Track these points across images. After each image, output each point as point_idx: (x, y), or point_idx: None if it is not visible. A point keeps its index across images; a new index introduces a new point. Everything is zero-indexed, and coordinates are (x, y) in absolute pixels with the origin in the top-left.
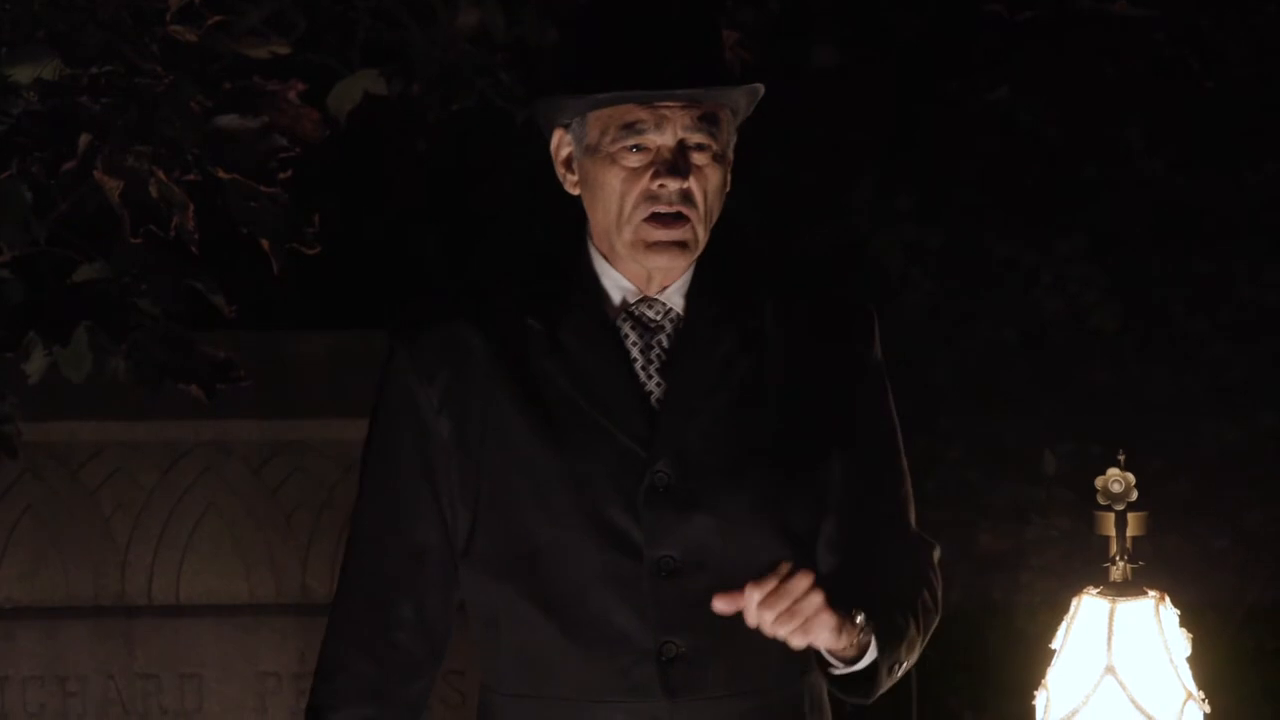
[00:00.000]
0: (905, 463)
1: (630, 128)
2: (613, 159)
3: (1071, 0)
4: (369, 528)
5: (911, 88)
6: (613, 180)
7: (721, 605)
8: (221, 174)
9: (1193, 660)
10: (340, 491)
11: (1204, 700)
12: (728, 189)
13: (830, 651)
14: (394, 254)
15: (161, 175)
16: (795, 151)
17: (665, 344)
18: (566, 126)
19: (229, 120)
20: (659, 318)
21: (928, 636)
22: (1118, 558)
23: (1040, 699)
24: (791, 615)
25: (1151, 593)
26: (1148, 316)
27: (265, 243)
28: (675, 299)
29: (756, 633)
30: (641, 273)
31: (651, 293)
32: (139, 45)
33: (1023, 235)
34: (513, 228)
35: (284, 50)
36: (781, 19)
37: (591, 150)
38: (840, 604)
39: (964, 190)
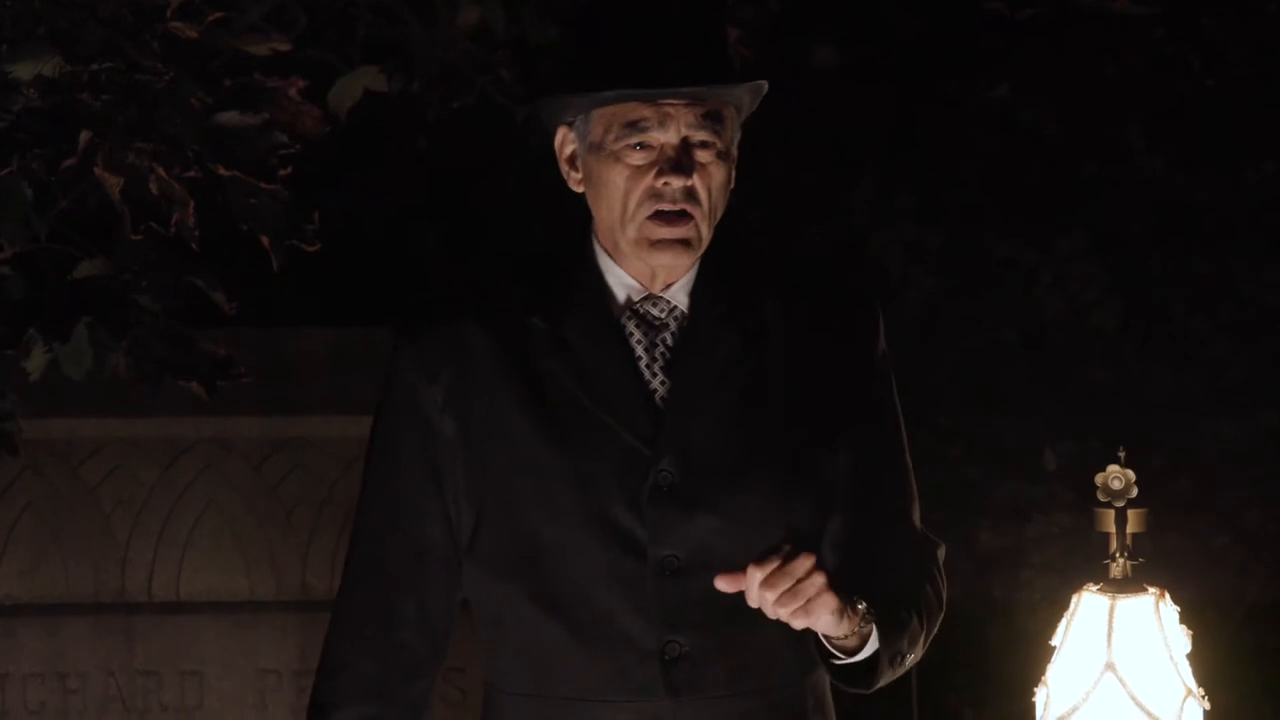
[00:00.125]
0: (909, 460)
1: (634, 125)
2: (616, 157)
3: None
4: (372, 526)
5: (911, 86)
6: (616, 178)
7: (723, 585)
8: (222, 171)
9: (1192, 657)
10: (341, 488)
11: (1204, 697)
12: (732, 185)
13: (831, 640)
14: (394, 251)
15: (162, 172)
16: (795, 150)
17: (670, 342)
18: (570, 124)
19: (229, 117)
20: (663, 316)
21: (931, 633)
22: (1118, 555)
23: (1040, 696)
24: (793, 595)
25: (1151, 590)
26: (1148, 315)
27: (265, 239)
28: (680, 297)
29: (760, 632)
30: (646, 270)
31: (656, 290)
32: (139, 42)
33: (1023, 234)
34: (513, 226)
35: (284, 47)
36: (781, 17)
37: (595, 148)
38: (844, 593)
39: (964, 189)
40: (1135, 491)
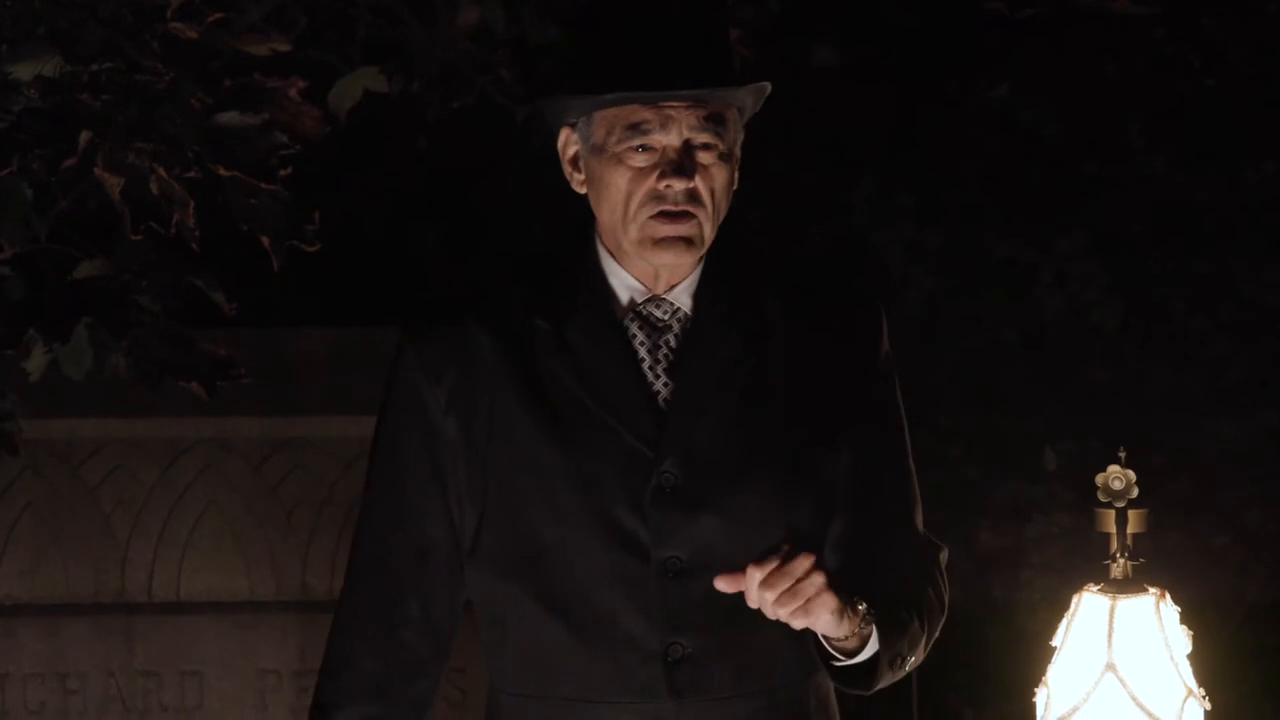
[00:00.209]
0: (912, 463)
1: (636, 128)
2: (619, 159)
3: None
4: (375, 525)
5: (912, 86)
6: (619, 180)
7: (723, 585)
8: (222, 171)
9: (1193, 657)
10: (341, 488)
11: (1204, 697)
12: (736, 186)
13: (831, 642)
14: (394, 251)
15: (162, 172)
16: (795, 150)
17: (673, 344)
18: (573, 125)
19: (229, 117)
20: (666, 317)
21: (933, 636)
22: (1118, 555)
23: (1041, 696)
24: (793, 595)
25: (1152, 590)
26: (1148, 315)
27: (265, 240)
28: (683, 298)
29: (763, 633)
30: (649, 271)
31: (659, 291)
32: (140, 42)
33: (1023, 234)
34: (513, 226)
35: (284, 47)
36: (781, 17)
37: (598, 150)
38: (844, 593)
39: (964, 189)
40: (1136, 492)
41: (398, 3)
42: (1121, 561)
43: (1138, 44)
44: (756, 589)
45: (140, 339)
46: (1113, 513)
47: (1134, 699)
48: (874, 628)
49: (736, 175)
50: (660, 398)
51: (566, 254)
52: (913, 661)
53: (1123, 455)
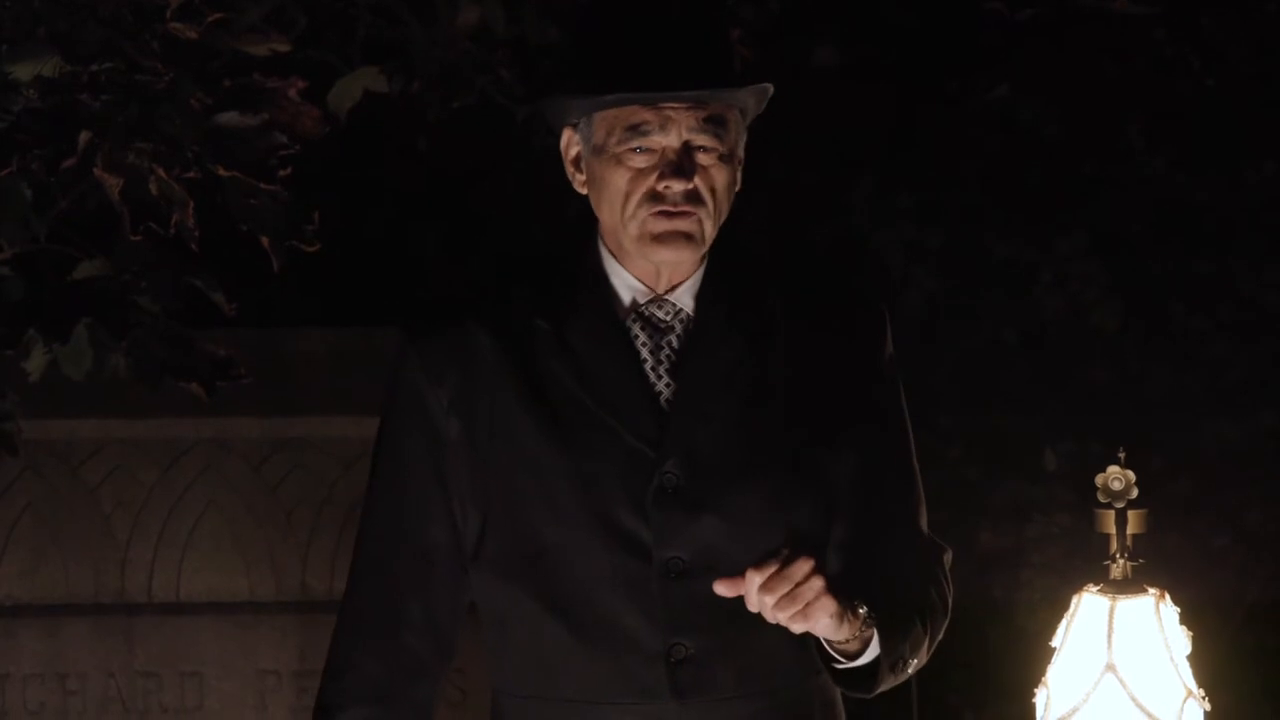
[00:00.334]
0: (916, 465)
1: (635, 129)
2: (618, 160)
3: None
4: (377, 527)
5: (912, 86)
6: (618, 180)
7: (722, 589)
8: (221, 171)
9: (1193, 658)
10: (340, 489)
11: (1204, 698)
12: (738, 188)
13: (832, 644)
14: (394, 252)
15: (161, 173)
16: (795, 150)
17: (675, 345)
18: (575, 126)
19: (229, 117)
20: (669, 318)
21: (936, 638)
22: (1118, 555)
23: (1040, 697)
24: (792, 599)
25: (1152, 590)
26: (1148, 315)
27: (265, 240)
28: (685, 299)
29: (765, 634)
30: (650, 270)
31: (661, 291)
32: (139, 42)
33: (1023, 234)
34: (513, 226)
35: (284, 47)
36: (781, 17)
37: (598, 150)
38: (844, 597)
39: (964, 189)
40: (1135, 492)
41: (397, 3)
42: (1121, 562)
43: (1138, 44)
44: (756, 593)
45: (140, 339)
46: (1112, 513)
47: (1134, 700)
48: (875, 631)
49: (739, 176)
50: (662, 398)
51: (568, 255)
52: (915, 664)
53: (1122, 456)
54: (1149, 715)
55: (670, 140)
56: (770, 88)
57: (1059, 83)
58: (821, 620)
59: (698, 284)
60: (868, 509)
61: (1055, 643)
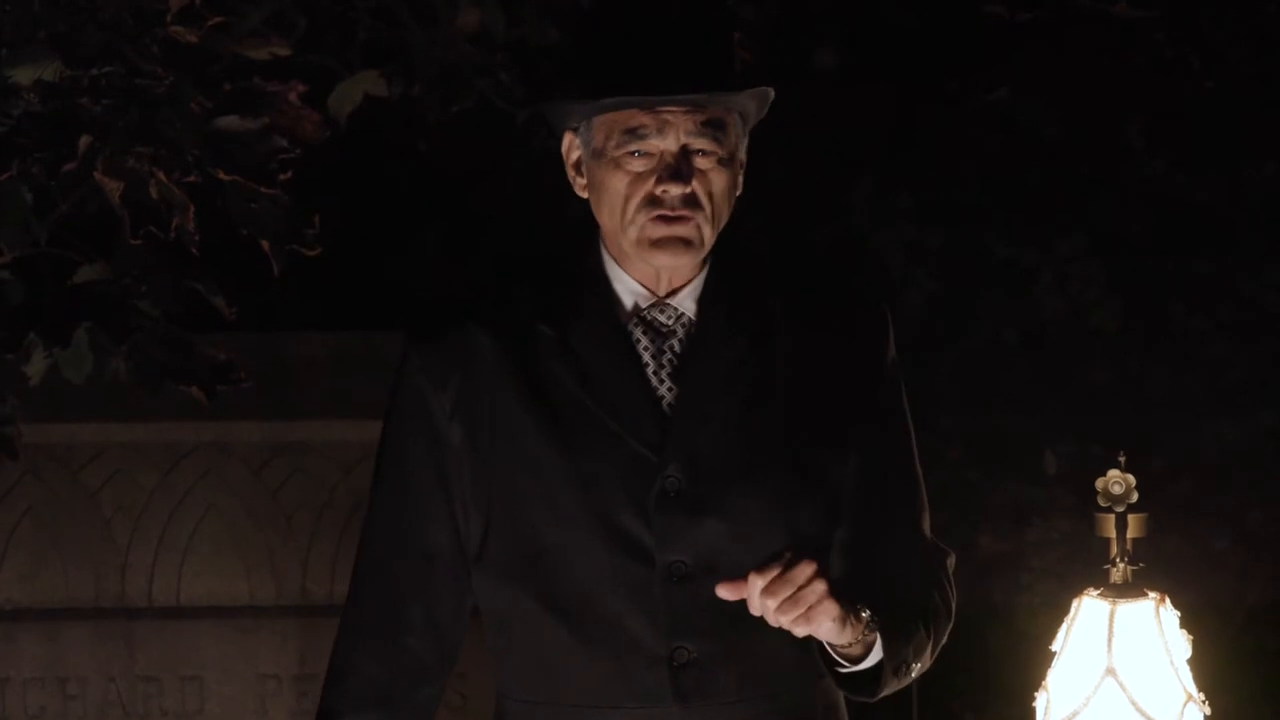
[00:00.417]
0: (919, 467)
1: (633, 132)
2: (617, 163)
3: (1071, 1)
4: (380, 531)
5: (912, 88)
6: (617, 184)
7: (725, 592)
8: (222, 175)
9: (1193, 662)
10: (341, 493)
11: (1204, 702)
12: (739, 191)
13: (835, 648)
14: (394, 255)
15: (162, 176)
16: (795, 152)
17: (677, 349)
18: (575, 130)
19: (229, 121)
20: (671, 322)
21: (940, 643)
22: (1118, 559)
23: (1041, 701)
24: (794, 603)
25: (1152, 594)
26: (1148, 316)
27: (265, 244)
28: (687, 303)
29: (769, 638)
30: (651, 273)
31: (662, 294)
32: (139, 46)
33: (1023, 235)
34: (513, 228)
35: (284, 51)
36: (781, 19)
37: (597, 154)
38: (847, 600)
39: (964, 190)
40: (1136, 496)
41: (397, 6)
42: (1121, 566)
43: (1137, 46)
44: (758, 596)
45: (140, 343)
46: (1113, 517)
47: (1134, 703)
48: (878, 635)
49: (741, 180)
50: (664, 402)
51: (569, 258)
52: (918, 668)
53: (1122, 459)
54: (1149, 719)
55: (668, 144)
56: (771, 91)
57: (1059, 84)
58: (824, 624)
59: (699, 288)
60: (870, 511)
61: (1055, 646)
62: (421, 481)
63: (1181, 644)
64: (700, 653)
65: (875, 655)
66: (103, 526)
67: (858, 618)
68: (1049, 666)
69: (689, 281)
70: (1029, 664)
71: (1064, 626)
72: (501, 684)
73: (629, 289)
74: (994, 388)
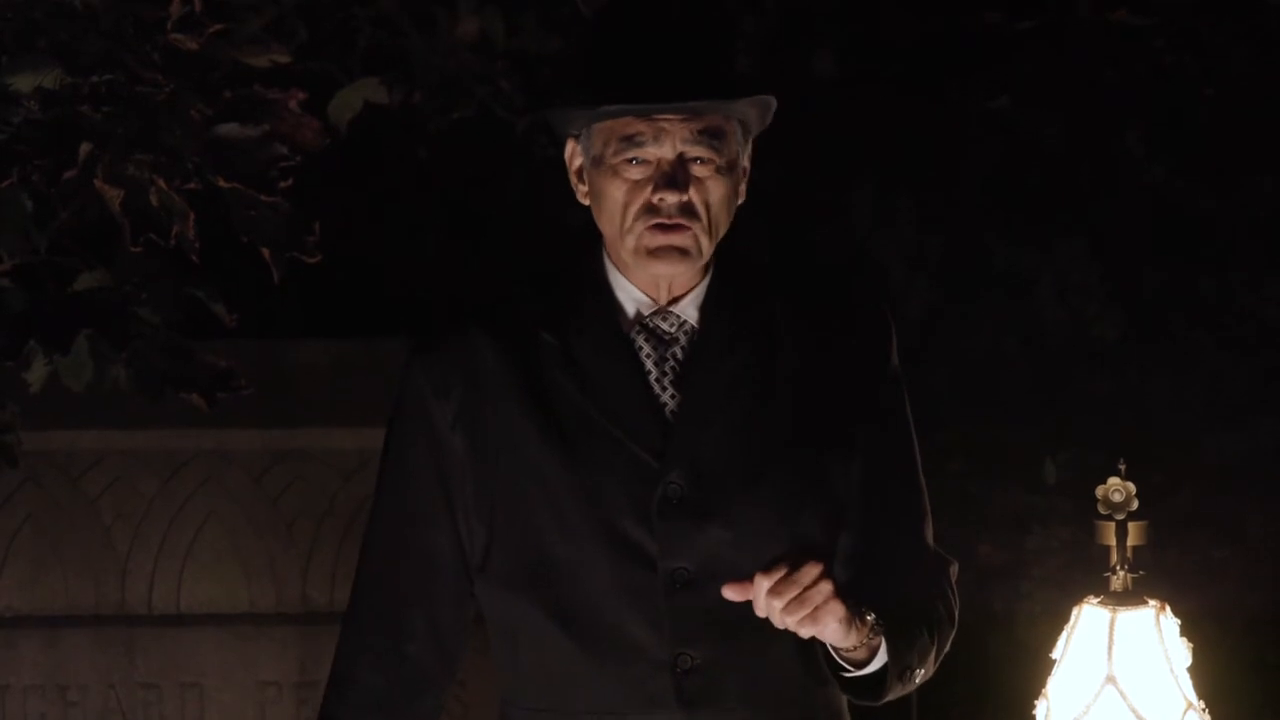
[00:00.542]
0: (921, 474)
1: (630, 140)
2: (615, 171)
3: (1071, 10)
4: (382, 539)
5: (912, 95)
6: (615, 192)
7: (730, 593)
8: (222, 183)
9: (1193, 670)
10: (341, 500)
11: (1204, 710)
12: (740, 200)
13: (840, 652)
14: (394, 262)
15: (162, 184)
16: (795, 159)
17: (679, 356)
18: (577, 137)
19: (230, 129)
20: (673, 330)
21: (943, 650)
22: (1118, 567)
23: (1041, 708)
24: (800, 603)
25: (1152, 602)
26: (1148, 326)
27: (266, 251)
28: (689, 311)
29: (773, 645)
30: (653, 281)
31: (664, 303)
32: (140, 54)
33: (1023, 243)
34: (513, 236)
35: (284, 59)
36: (781, 27)
37: (597, 162)
38: (852, 602)
39: (964, 197)
40: (1136, 504)
41: (398, 14)
42: (1121, 574)
43: (1137, 54)
44: (764, 597)
45: (140, 350)
46: (1113, 525)
47: (1134, 711)
48: (882, 639)
49: (743, 188)
50: (667, 410)
51: (572, 266)
52: (922, 674)
53: (1123, 467)
54: None
55: (664, 152)
56: (772, 100)
57: (1059, 91)
58: (830, 624)
59: (702, 295)
60: (873, 517)
61: (1056, 654)
62: (424, 490)
63: (1182, 652)
64: (703, 659)
65: (879, 660)
66: (103, 534)
67: (863, 620)
68: (1049, 674)
69: (691, 289)
70: (1029, 672)
71: (1064, 634)
72: (506, 692)
73: (631, 297)
74: (994, 396)
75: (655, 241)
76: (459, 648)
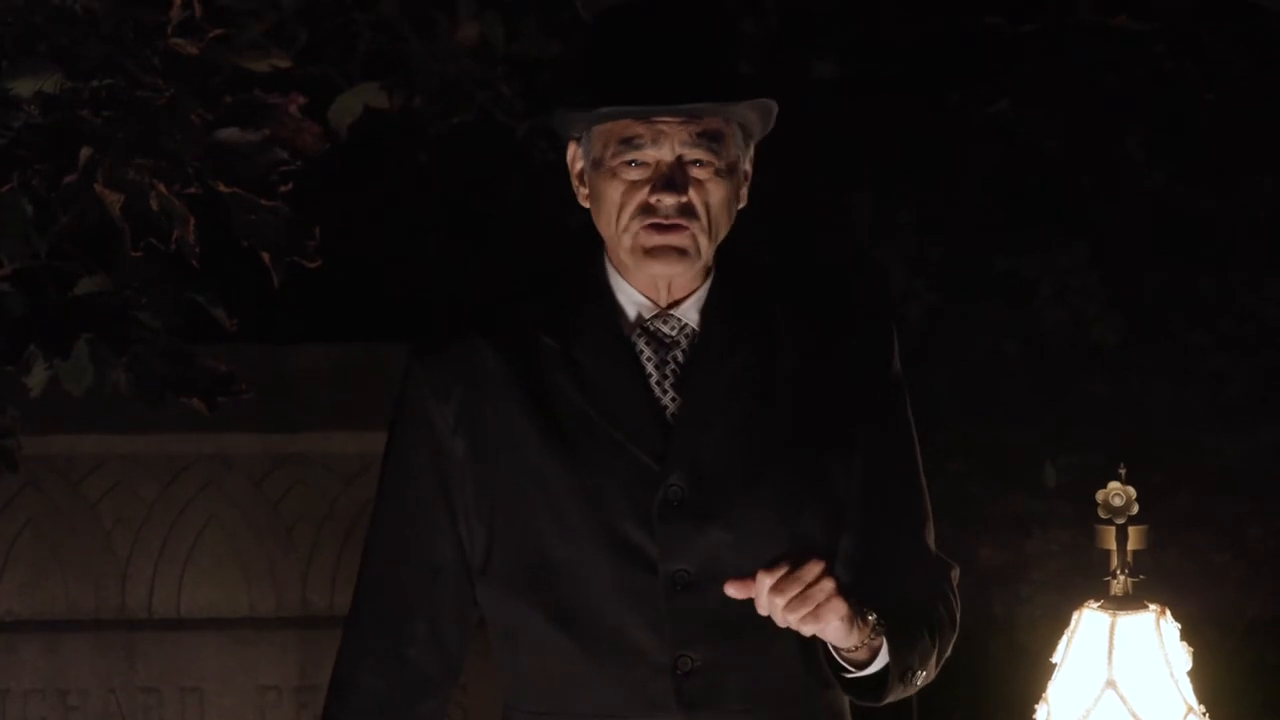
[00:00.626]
0: (923, 478)
1: (628, 142)
2: (613, 173)
3: (1072, 14)
4: (383, 543)
5: (912, 99)
6: (613, 193)
7: (733, 590)
8: (222, 187)
9: (1193, 674)
10: (341, 504)
11: (1204, 714)
12: (742, 204)
13: (841, 652)
14: (395, 267)
15: (162, 188)
16: (795, 164)
17: (680, 359)
18: (578, 140)
19: (230, 133)
20: (674, 333)
21: (944, 653)
22: (1118, 571)
23: (1041, 713)
24: (802, 600)
25: (1152, 606)
26: (1148, 329)
27: (266, 256)
28: (690, 314)
29: (774, 647)
30: (653, 284)
31: (664, 305)
32: (140, 58)
33: (1023, 246)
34: (513, 240)
35: (285, 63)
36: (781, 31)
37: (596, 164)
38: (854, 601)
39: (965, 201)
40: (1136, 508)
41: (398, 18)
42: (1122, 578)
43: (1137, 58)
44: (766, 594)
45: (141, 355)
46: (1113, 529)
47: (1134, 716)
48: (884, 640)
49: (744, 192)
50: (668, 412)
51: (573, 269)
52: (924, 676)
53: (1123, 472)
54: None
55: (663, 154)
56: (772, 104)
57: (1059, 96)
58: (832, 622)
59: (703, 298)
60: (873, 519)
61: (1056, 659)
62: (425, 494)
63: (1182, 656)
64: (704, 661)
65: (880, 660)
66: (103, 538)
67: (864, 620)
68: (1049, 678)
69: (692, 292)
70: (1029, 676)
71: (1064, 638)
72: (508, 695)
73: (632, 300)
74: (994, 399)
75: (652, 241)
76: (461, 652)
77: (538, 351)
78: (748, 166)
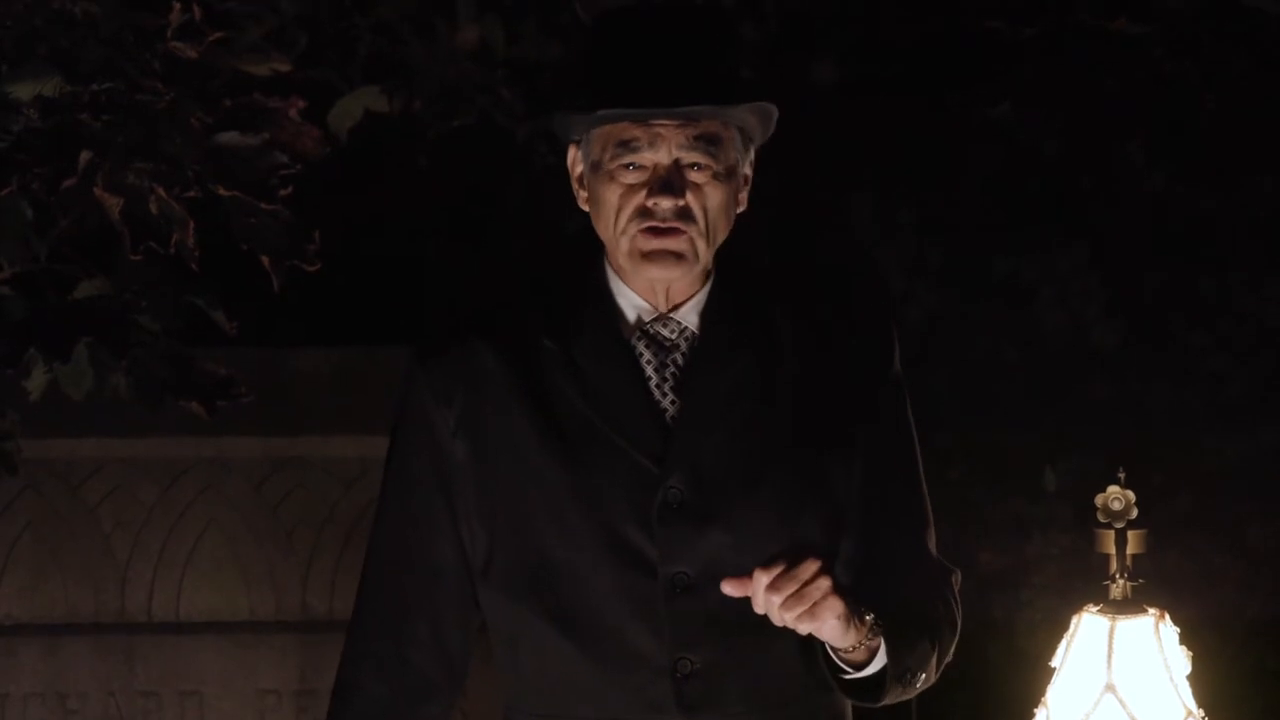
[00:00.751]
0: (923, 480)
1: (626, 145)
2: (611, 176)
3: (1072, 17)
4: (386, 547)
5: (912, 102)
6: (611, 196)
7: (730, 589)
8: (222, 191)
9: (1193, 678)
10: (342, 508)
11: (1204, 718)
12: (742, 207)
13: (839, 653)
14: (395, 270)
15: (162, 192)
16: (794, 166)
17: (680, 362)
18: (579, 143)
19: (230, 137)
20: (674, 336)
21: (945, 656)
22: (1118, 575)
23: (1040, 717)
24: (799, 599)
25: (1151, 610)
26: (1148, 331)
27: (266, 259)
28: (690, 317)
29: (773, 649)
30: (650, 287)
31: (664, 309)
32: (140, 62)
33: (1023, 248)
34: (514, 244)
35: (285, 67)
36: (781, 34)
37: (595, 167)
38: (852, 600)
39: (964, 204)
40: (1135, 512)
41: (398, 22)
42: (1121, 582)
43: (1137, 61)
44: (762, 592)
45: (140, 358)
46: (1112, 533)
47: None
48: (882, 640)
49: (744, 196)
50: (668, 415)
51: (573, 272)
52: (924, 679)
53: (1122, 475)
54: None
55: (660, 157)
56: (772, 108)
57: (1059, 99)
58: (829, 621)
59: (703, 302)
60: (873, 520)
61: (1055, 663)
62: (426, 497)
63: (1181, 660)
64: (703, 664)
65: (879, 662)
66: (102, 542)
67: (861, 620)
68: (1049, 683)
69: (692, 296)
70: (1029, 680)
71: (1063, 642)
72: (509, 699)
73: (632, 303)
74: (994, 402)
75: (649, 245)
76: (464, 656)
77: (538, 355)
78: (748, 170)
